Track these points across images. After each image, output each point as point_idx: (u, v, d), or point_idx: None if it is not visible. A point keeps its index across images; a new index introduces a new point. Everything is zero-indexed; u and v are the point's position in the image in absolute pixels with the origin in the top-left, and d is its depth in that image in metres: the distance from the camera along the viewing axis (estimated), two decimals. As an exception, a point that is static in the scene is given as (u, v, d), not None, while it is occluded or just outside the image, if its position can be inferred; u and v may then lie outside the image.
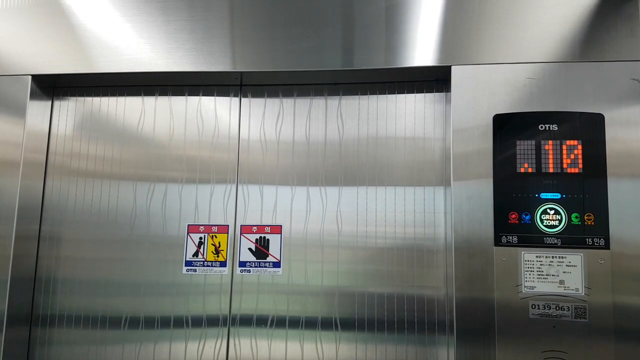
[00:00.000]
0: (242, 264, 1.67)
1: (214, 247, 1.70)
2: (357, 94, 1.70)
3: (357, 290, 1.62)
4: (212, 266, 1.68)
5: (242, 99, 1.76)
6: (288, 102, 1.73)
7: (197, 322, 1.68)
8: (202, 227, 1.71)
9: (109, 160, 1.78)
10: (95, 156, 1.79)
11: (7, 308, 1.63)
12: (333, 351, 1.61)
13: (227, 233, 1.70)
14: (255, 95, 1.75)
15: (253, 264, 1.67)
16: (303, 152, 1.70)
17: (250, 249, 1.68)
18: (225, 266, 1.68)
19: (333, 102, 1.71)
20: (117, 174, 1.77)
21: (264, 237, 1.68)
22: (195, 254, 1.70)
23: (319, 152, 1.69)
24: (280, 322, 1.64)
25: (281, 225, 1.68)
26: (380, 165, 1.65)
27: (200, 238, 1.70)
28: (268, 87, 1.74)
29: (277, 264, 1.66)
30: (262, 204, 1.69)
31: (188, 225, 1.71)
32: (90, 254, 1.74)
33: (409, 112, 1.66)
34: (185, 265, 1.70)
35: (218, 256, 1.69)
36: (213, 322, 1.67)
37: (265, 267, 1.67)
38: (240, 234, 1.69)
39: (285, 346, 1.63)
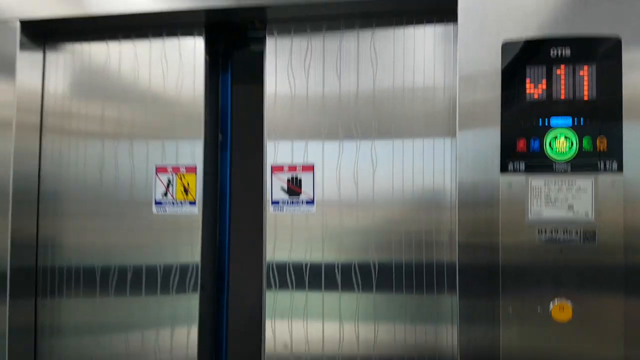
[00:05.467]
0: (275, 202, 1.78)
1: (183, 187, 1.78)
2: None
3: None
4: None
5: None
6: (317, 37, 1.72)
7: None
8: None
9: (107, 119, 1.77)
10: (86, 115, 1.76)
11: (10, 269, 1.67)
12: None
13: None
14: (282, 33, 1.74)
15: (287, 201, 1.76)
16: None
17: (282, 188, 1.77)
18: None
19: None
20: (115, 132, 1.78)
21: (296, 176, 1.75)
22: (165, 194, 1.79)
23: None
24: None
25: (313, 165, 1.72)
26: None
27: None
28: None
29: (310, 202, 1.74)
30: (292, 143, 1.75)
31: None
32: (88, 217, 1.80)
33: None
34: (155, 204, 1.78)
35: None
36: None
37: (298, 205, 1.75)
38: (272, 173, 1.77)
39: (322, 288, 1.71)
